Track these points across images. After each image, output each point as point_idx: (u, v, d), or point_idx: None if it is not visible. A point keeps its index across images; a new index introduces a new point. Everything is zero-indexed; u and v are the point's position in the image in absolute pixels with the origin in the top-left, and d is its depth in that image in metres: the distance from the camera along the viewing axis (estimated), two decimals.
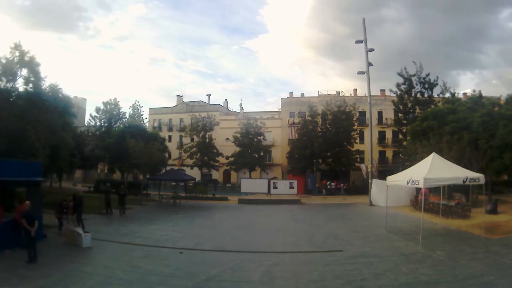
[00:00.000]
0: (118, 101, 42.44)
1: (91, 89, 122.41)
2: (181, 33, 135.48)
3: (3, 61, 20.47)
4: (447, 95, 32.13)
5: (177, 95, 57.07)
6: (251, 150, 40.70)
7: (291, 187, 28.91)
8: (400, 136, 35.87)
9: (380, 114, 44.34)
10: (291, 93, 50.57)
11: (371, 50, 24.89)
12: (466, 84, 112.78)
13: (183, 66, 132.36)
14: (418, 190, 19.07)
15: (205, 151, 42.58)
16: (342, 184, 34.98)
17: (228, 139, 44.29)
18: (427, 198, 17.79)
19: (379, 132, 43.98)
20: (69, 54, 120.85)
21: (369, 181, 24.56)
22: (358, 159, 39.74)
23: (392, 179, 13.64)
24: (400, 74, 34.02)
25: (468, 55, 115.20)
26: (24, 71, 21.03)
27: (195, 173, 40.26)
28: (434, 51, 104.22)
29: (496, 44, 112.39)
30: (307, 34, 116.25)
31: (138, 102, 60.66)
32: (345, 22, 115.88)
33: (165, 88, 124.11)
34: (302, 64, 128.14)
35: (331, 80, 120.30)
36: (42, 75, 21.85)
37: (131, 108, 47.56)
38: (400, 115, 35.22)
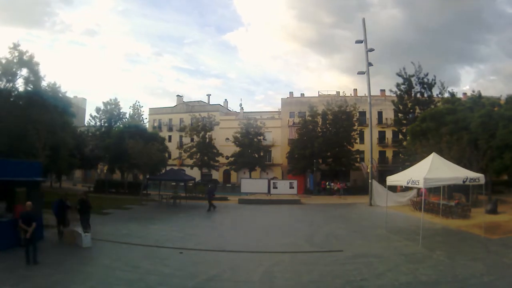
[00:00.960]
0: (119, 101, 42.54)
1: (67, 86, 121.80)
2: (159, 31, 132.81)
3: (3, 61, 20.52)
4: (446, 95, 32.15)
5: (177, 95, 57.08)
6: (251, 150, 40.69)
7: (291, 187, 28.89)
8: (400, 136, 35.88)
9: (380, 114, 44.31)
10: (291, 93, 50.62)
11: (371, 50, 24.82)
12: (464, 79, 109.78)
13: (163, 63, 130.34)
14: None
15: (205, 151, 42.55)
16: (341, 184, 34.90)
17: (228, 139, 44.26)
18: (427, 198, 17.80)
19: (379, 132, 43.93)
20: (41, 50, 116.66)
21: (369, 181, 24.56)
22: (358, 159, 39.73)
23: (392, 179, 13.64)
24: (399, 75, 34.13)
25: (465, 46, 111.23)
26: (24, 71, 21.11)
27: (195, 173, 40.24)
28: (430, 41, 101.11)
29: (494, 33, 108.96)
30: (288, 25, 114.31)
31: (138, 102, 60.62)
32: (327, 9, 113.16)
33: (150, 86, 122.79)
34: (287, 58, 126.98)
35: (319, 75, 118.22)
36: (41, 74, 21.92)
37: (131, 108, 47.65)
38: (400, 115, 35.25)
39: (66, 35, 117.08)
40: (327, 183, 35.50)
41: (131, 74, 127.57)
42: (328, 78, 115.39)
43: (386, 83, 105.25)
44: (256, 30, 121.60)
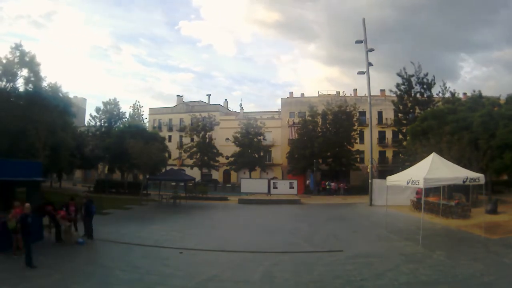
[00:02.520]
0: (118, 101, 42.56)
1: None
2: (116, 25, 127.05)
3: (4, 61, 20.52)
4: (447, 95, 32.23)
5: (177, 95, 57.18)
6: (251, 150, 40.70)
7: (291, 187, 28.92)
8: (400, 136, 35.87)
9: (380, 114, 44.34)
10: (291, 93, 50.71)
11: (371, 50, 24.83)
12: (458, 69, 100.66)
13: (125, 57, 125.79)
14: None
15: (205, 151, 42.58)
16: (342, 184, 34.97)
17: (228, 139, 44.28)
18: (420, 197, 17.80)
19: (379, 132, 43.96)
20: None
21: (369, 181, 24.55)
22: (358, 159, 39.76)
23: (392, 179, 13.63)
24: (399, 75, 34.20)
25: (456, 29, 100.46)
26: (25, 71, 21.10)
27: (195, 173, 40.26)
28: (413, 24, 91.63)
29: (489, 12, 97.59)
30: (251, 11, 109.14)
31: (138, 102, 60.67)
32: None
33: (120, 82, 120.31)
34: (259, 52, 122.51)
35: (296, 67, 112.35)
36: (42, 74, 21.91)
37: (131, 108, 47.74)
38: (400, 115, 35.28)
39: (13, 28, 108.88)
40: (326, 183, 35.55)
41: (92, 68, 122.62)
42: (306, 68, 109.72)
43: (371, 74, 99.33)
44: (219, 19, 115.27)
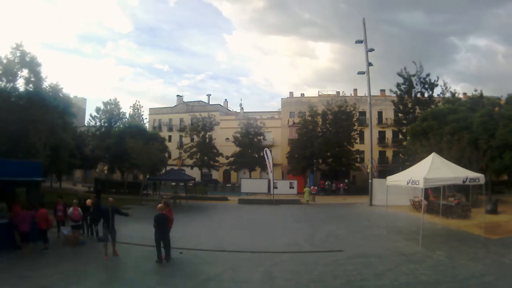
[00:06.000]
0: (118, 101, 42.54)
1: None
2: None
3: (4, 61, 20.53)
4: (447, 95, 32.26)
5: (177, 95, 57.24)
6: (251, 150, 40.69)
7: (291, 187, 28.91)
8: (400, 136, 35.92)
9: (380, 114, 44.33)
10: (291, 93, 50.69)
11: (371, 50, 24.84)
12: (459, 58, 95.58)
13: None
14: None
15: (205, 151, 42.59)
16: (342, 184, 34.95)
17: (228, 139, 44.27)
18: (432, 199, 17.83)
19: (379, 132, 43.95)
20: None
21: (369, 181, 24.56)
22: (358, 159, 39.76)
23: (392, 179, 13.63)
24: (400, 74, 34.18)
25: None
26: (25, 71, 21.10)
27: (195, 173, 40.25)
28: None
29: None
30: None
31: (139, 102, 60.70)
32: None
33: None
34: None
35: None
36: (43, 75, 21.92)
37: (131, 108, 47.73)
38: (400, 115, 35.29)
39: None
40: (326, 183, 35.53)
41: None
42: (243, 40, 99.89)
43: (346, 60, 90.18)
44: None
